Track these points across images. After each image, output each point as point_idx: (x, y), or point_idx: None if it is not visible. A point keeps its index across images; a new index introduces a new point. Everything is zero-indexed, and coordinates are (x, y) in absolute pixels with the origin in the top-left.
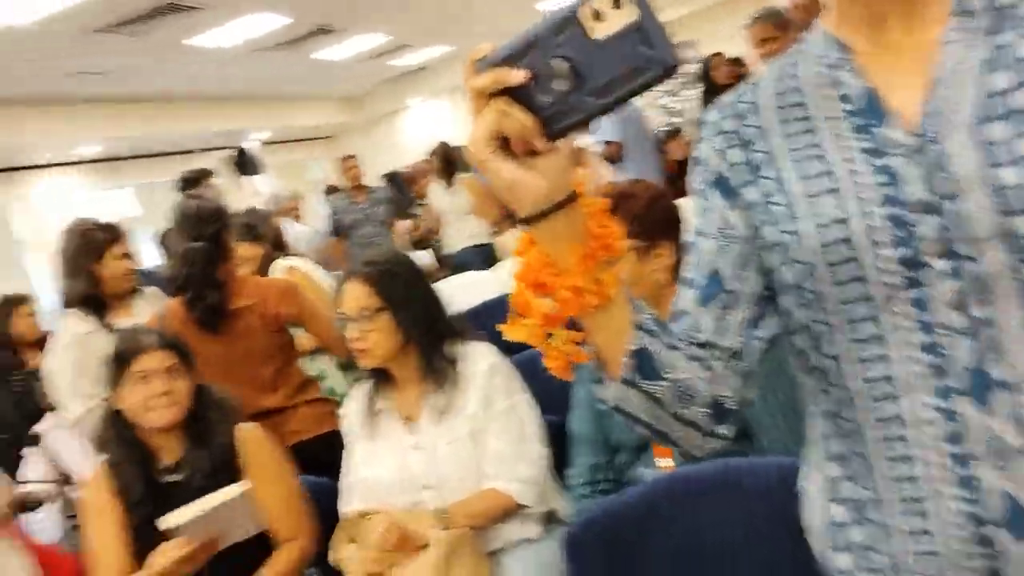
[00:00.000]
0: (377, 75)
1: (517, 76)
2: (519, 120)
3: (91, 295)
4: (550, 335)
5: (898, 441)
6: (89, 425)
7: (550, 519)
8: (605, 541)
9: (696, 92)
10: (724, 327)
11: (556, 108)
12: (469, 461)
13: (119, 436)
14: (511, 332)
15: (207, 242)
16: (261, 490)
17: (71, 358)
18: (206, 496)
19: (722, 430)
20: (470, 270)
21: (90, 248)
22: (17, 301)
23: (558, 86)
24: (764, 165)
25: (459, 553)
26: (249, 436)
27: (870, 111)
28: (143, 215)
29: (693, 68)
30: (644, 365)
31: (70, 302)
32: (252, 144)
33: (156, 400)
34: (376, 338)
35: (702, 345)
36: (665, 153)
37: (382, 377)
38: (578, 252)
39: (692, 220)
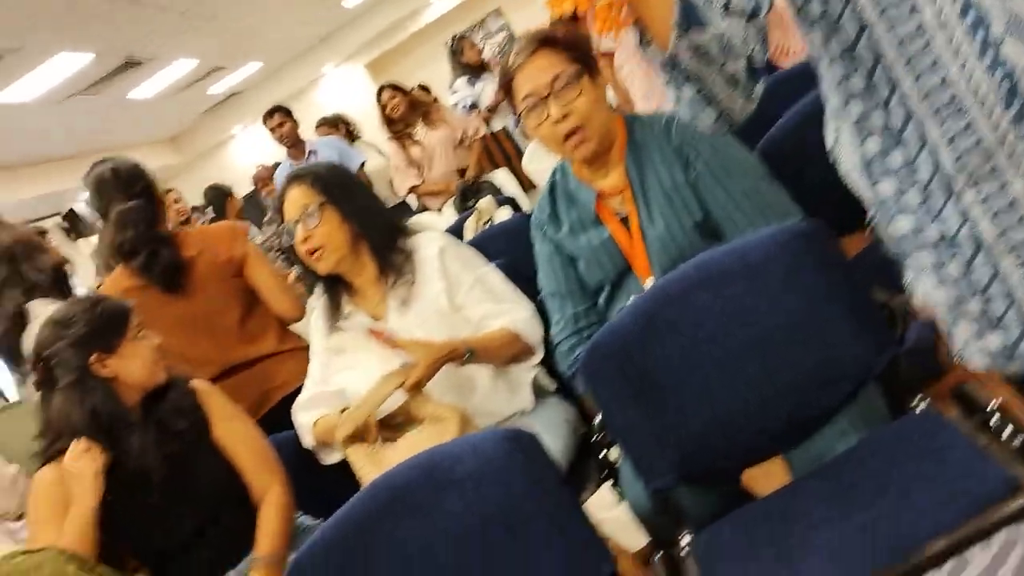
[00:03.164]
0: (196, 107)
1: None
2: None
3: None
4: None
5: (922, 52)
6: None
7: (538, 393)
8: (618, 359)
9: None
10: None
11: None
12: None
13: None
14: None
15: (140, 199)
16: (231, 446)
17: None
18: None
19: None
20: None
21: None
22: None
23: None
24: None
25: (471, 427)
26: (206, 390)
27: None
28: None
29: None
30: (690, 14)
31: None
32: (81, 205)
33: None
34: (324, 233)
35: (726, 7)
36: None
37: (339, 288)
38: None
39: None
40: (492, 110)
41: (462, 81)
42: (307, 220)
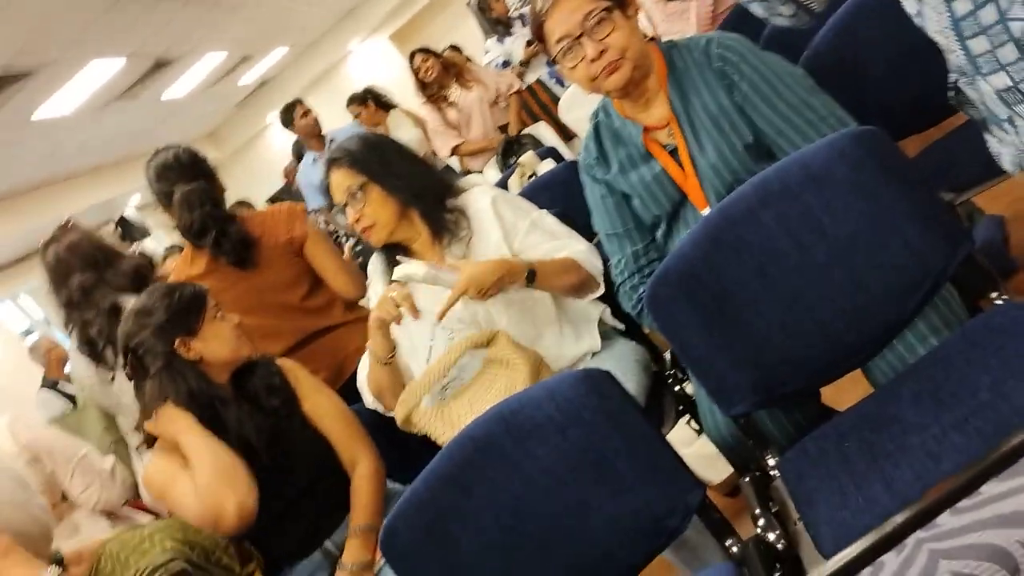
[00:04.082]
0: (229, 100)
1: None
2: None
3: None
4: None
5: None
6: None
7: (604, 335)
8: (686, 285)
9: None
10: None
11: None
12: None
13: None
14: None
15: (202, 181)
16: (320, 419)
17: None
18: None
19: None
20: None
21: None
22: None
23: None
24: None
25: (542, 370)
26: (291, 367)
27: None
28: (50, 316)
29: None
30: None
31: None
32: (131, 211)
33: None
34: (372, 211)
35: None
36: None
37: (395, 254)
38: None
39: None
40: (525, 64)
41: (492, 41)
42: (353, 202)
